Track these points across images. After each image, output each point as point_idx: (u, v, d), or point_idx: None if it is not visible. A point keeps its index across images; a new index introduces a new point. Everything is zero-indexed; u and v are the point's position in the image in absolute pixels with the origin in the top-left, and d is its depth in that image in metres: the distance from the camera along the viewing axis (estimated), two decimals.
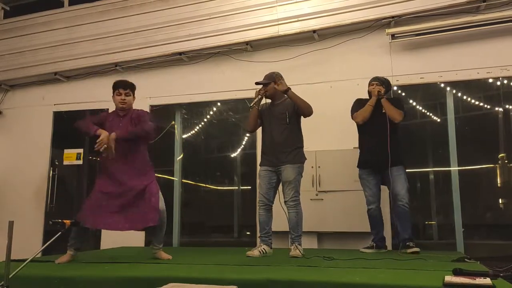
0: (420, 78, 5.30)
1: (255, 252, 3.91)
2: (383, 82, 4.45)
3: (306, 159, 4.14)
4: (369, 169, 4.39)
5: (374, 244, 4.36)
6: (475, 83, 5.26)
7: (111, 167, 3.65)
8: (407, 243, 4.14)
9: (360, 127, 4.47)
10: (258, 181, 4.25)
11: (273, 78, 4.11)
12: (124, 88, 3.79)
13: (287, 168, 4.00)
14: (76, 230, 3.57)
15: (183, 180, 6.23)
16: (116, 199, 3.59)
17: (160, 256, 3.78)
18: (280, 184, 4.13)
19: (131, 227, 3.60)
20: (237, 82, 5.86)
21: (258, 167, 4.27)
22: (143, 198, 3.61)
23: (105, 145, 3.47)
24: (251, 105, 4.09)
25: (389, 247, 4.72)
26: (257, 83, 4.12)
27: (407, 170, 4.40)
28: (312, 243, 5.01)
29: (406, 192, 4.23)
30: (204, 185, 6.50)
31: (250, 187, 5.94)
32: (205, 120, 6.39)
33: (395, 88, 5.27)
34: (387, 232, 4.72)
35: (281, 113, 4.10)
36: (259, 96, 4.09)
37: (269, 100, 4.22)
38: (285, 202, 4.02)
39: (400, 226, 4.23)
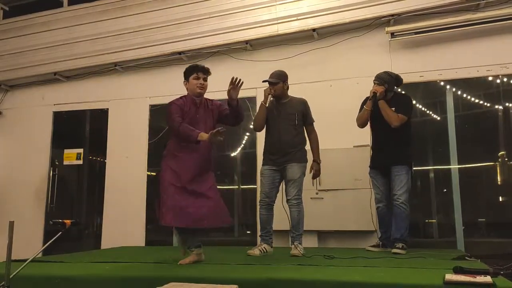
0: (420, 76, 5.30)
1: (255, 251, 3.92)
2: (384, 80, 4.28)
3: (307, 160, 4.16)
4: (377, 168, 4.35)
5: (381, 243, 4.32)
6: (475, 81, 5.25)
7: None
8: (395, 244, 4.05)
9: (371, 126, 4.41)
10: (258, 180, 4.24)
11: (282, 77, 4.10)
12: (203, 72, 3.54)
13: (293, 167, 4.00)
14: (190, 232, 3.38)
15: None
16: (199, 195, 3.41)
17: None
18: (282, 183, 4.13)
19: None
20: None
21: (259, 166, 4.26)
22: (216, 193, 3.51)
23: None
24: (267, 105, 4.06)
25: None
26: (264, 81, 4.09)
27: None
28: (313, 241, 5.01)
29: (404, 192, 4.11)
30: None
31: (250, 186, 5.93)
32: None
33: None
34: None
35: (290, 113, 4.09)
36: (269, 96, 4.06)
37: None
38: (287, 200, 4.01)
39: (394, 225, 4.17)
